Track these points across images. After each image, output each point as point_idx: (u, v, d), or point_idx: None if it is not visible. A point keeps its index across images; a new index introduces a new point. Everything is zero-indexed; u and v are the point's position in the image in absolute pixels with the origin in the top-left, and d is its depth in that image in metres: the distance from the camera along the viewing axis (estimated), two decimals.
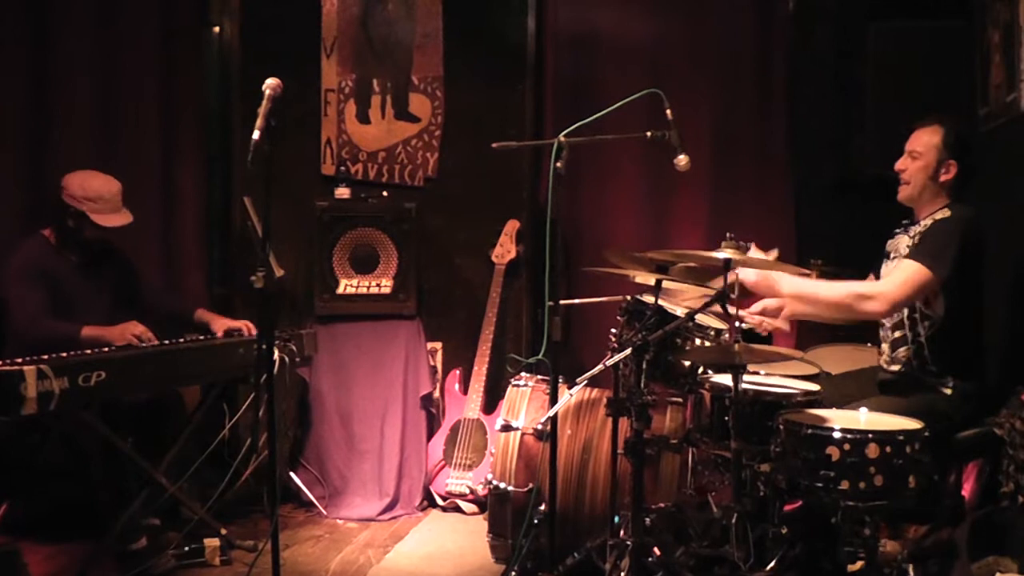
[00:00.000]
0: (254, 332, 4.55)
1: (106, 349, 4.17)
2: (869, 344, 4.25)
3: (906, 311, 3.73)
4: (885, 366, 3.86)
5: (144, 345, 4.30)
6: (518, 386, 4.45)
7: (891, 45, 5.21)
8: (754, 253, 3.86)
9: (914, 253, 3.64)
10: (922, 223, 3.77)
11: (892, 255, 3.90)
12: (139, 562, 4.12)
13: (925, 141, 3.79)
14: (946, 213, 3.71)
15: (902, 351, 3.78)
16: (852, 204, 5.23)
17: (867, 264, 4.03)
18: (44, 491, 4.35)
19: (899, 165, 3.85)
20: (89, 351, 4.08)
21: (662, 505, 3.96)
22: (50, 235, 4.45)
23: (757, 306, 4.05)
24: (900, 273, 3.61)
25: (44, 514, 4.35)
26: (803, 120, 5.39)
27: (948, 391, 3.64)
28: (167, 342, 4.38)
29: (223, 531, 4.39)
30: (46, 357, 3.79)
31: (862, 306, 3.64)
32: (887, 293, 3.60)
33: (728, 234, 3.56)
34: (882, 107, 5.18)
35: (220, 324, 4.68)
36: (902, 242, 3.85)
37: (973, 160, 3.76)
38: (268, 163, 3.21)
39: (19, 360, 3.69)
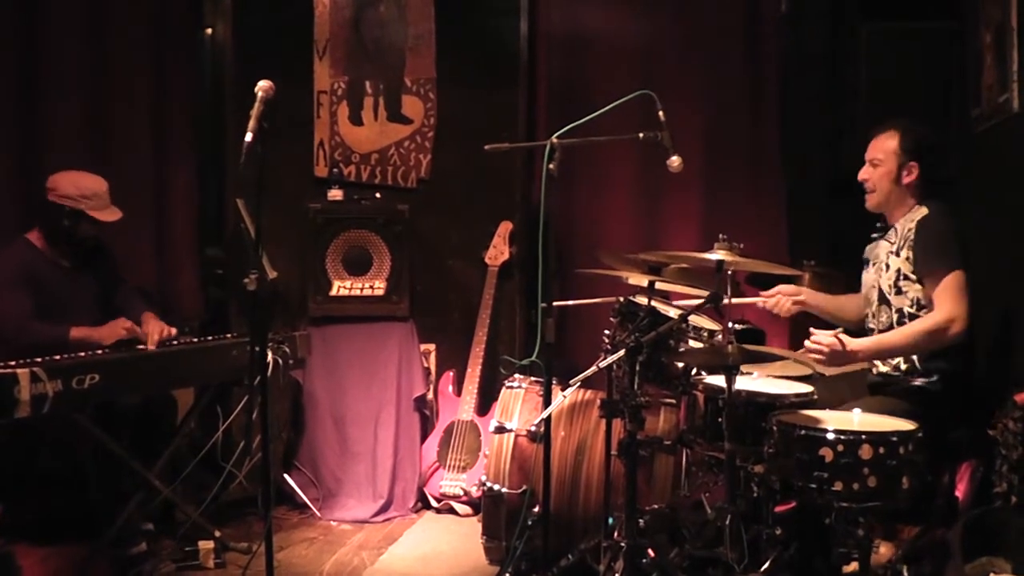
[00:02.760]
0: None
1: (99, 351, 4.16)
2: None
3: (895, 316, 3.75)
4: (874, 369, 3.87)
5: (138, 346, 4.31)
6: (512, 388, 4.45)
7: (883, 46, 5.21)
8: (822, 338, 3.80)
9: (928, 265, 3.63)
10: (899, 227, 3.79)
11: (872, 263, 3.92)
12: (135, 565, 4.12)
13: (884, 148, 3.83)
14: (924, 211, 3.73)
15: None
16: (844, 205, 5.20)
17: (859, 265, 4.04)
18: (38, 494, 4.34)
19: (862, 175, 3.89)
20: (83, 353, 4.07)
21: (656, 506, 3.97)
22: (35, 238, 4.43)
23: (774, 289, 4.08)
24: (945, 292, 3.57)
25: (38, 517, 4.33)
26: (795, 121, 5.40)
27: (936, 386, 3.65)
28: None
29: (217, 533, 4.39)
30: (39, 360, 3.78)
31: (944, 338, 3.56)
32: (952, 315, 3.53)
33: (721, 235, 3.57)
34: (874, 108, 5.17)
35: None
36: (882, 248, 3.87)
37: (934, 160, 3.79)
38: (261, 165, 3.20)
39: (12, 363, 3.69)
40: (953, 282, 3.56)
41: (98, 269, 4.62)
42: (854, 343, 3.60)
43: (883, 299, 3.80)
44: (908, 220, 3.76)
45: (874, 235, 3.97)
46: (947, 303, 3.55)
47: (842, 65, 5.39)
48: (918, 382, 3.68)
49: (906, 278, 3.72)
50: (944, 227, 3.67)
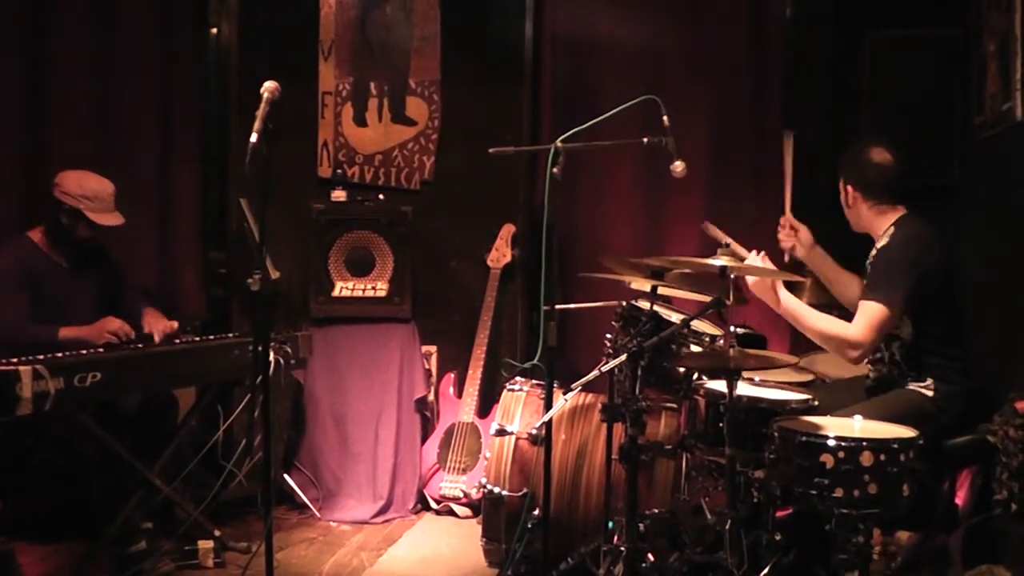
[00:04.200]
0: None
1: (101, 350, 4.17)
2: None
3: None
4: (870, 373, 3.89)
5: (137, 345, 4.31)
6: (513, 390, 4.45)
7: (888, 53, 5.20)
8: (754, 259, 3.83)
9: (867, 290, 3.67)
10: (876, 245, 3.81)
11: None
12: (135, 564, 4.12)
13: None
14: (890, 235, 3.75)
15: (881, 366, 3.83)
16: None
17: (860, 271, 4.04)
18: (39, 492, 4.34)
19: None
20: (84, 352, 4.07)
21: (656, 511, 3.96)
22: (37, 236, 4.44)
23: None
24: (863, 317, 3.60)
25: (39, 515, 4.34)
26: (799, 127, 5.37)
27: (930, 393, 3.67)
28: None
29: (217, 533, 4.40)
30: (42, 357, 3.78)
31: (841, 353, 3.65)
32: (860, 340, 3.58)
33: (724, 242, 3.58)
34: (878, 115, 5.17)
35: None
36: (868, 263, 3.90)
37: (869, 178, 3.83)
38: (265, 165, 3.21)
39: (15, 360, 3.69)
40: (879, 314, 3.57)
41: (98, 272, 4.62)
42: (783, 291, 3.72)
43: None
44: (881, 240, 3.79)
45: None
46: (864, 329, 3.58)
47: (846, 71, 5.38)
48: (914, 386, 3.69)
49: None
50: (899, 257, 3.67)
